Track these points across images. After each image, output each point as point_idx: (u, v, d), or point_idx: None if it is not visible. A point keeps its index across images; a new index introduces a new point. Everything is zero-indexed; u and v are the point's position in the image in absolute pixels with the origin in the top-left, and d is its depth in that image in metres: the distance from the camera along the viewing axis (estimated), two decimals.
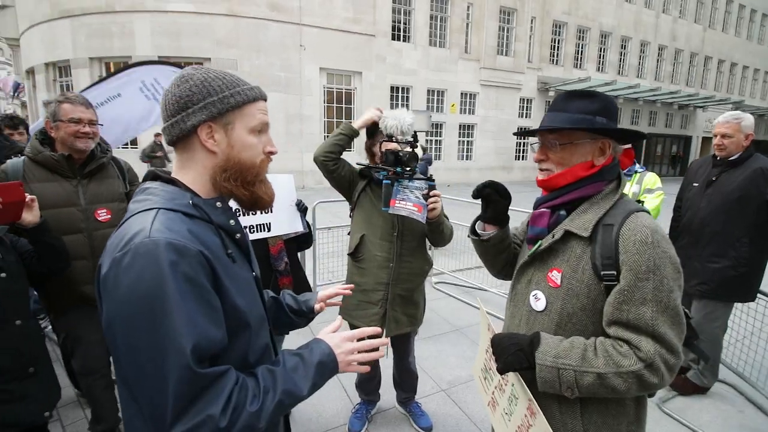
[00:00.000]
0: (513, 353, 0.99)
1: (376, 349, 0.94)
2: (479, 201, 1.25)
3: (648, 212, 1.00)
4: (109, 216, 1.94)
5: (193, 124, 0.79)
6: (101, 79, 3.25)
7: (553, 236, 1.04)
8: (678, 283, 0.93)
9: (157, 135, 10.12)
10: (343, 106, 14.39)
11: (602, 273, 0.94)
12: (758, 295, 2.51)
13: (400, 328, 2.06)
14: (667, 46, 22.03)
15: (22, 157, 1.85)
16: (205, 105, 0.79)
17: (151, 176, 0.85)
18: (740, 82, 26.05)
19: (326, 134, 13.68)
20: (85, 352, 1.97)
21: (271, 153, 0.90)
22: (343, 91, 14.31)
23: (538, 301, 1.06)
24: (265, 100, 0.89)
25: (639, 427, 1.05)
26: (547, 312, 1.04)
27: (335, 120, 14.23)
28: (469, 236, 1.35)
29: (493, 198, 1.21)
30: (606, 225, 0.97)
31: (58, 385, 1.74)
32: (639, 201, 2.69)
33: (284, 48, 12.80)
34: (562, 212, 1.07)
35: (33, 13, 12.48)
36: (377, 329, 1.00)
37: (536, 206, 1.15)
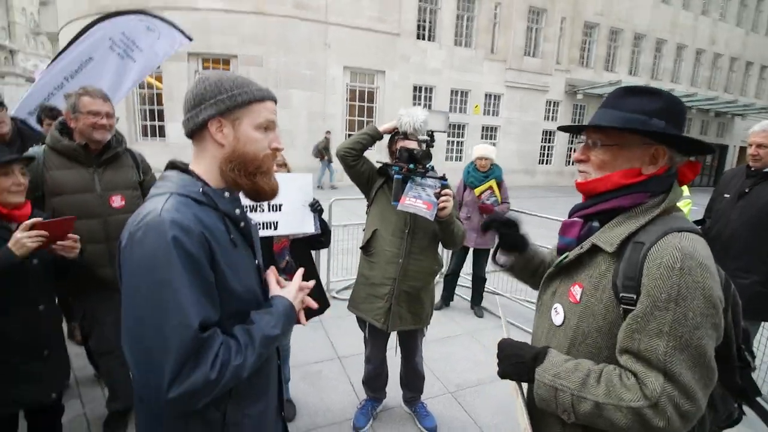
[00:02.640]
0: (514, 363, 0.97)
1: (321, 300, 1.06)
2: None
3: (699, 233, 0.86)
4: (123, 203, 2.02)
5: (204, 118, 0.89)
6: (68, 45, 3.14)
7: (581, 249, 0.96)
8: (711, 320, 0.79)
9: (328, 132, 12.26)
10: (366, 104, 14.43)
11: (621, 295, 0.85)
12: None
13: (403, 324, 2.07)
14: (706, 50, 21.07)
15: (43, 146, 1.95)
16: (215, 101, 0.89)
17: (170, 165, 0.95)
18: None
19: (348, 132, 13.77)
20: (101, 333, 2.07)
21: (277, 149, 0.98)
22: (366, 89, 14.35)
23: (557, 314, 1.00)
24: (275, 101, 0.97)
25: None
26: (563, 327, 0.97)
27: (357, 118, 14.29)
28: (494, 265, 1.35)
29: (502, 231, 1.22)
30: (637, 242, 0.86)
31: (68, 368, 1.84)
32: None
33: (310, 46, 12.94)
34: (595, 223, 0.97)
35: (72, 9, 13.05)
36: (310, 284, 1.10)
37: (571, 214, 1.05)
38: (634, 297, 0.83)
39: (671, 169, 0.93)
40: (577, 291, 0.95)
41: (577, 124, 1.04)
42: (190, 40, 3.58)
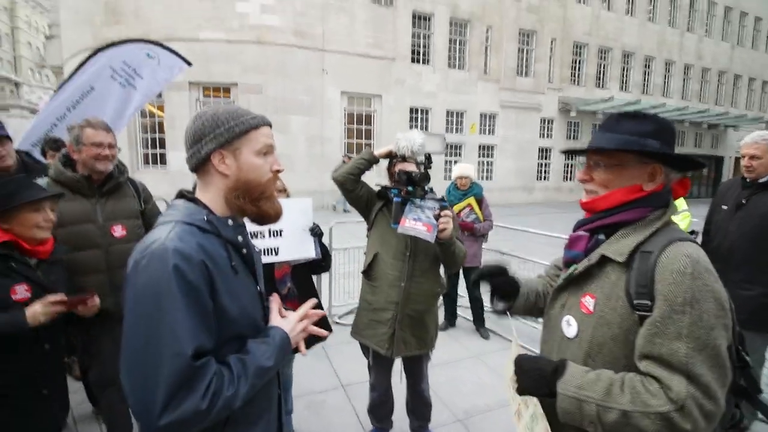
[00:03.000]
0: (534, 378, 0.96)
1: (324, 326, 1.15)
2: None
3: (695, 243, 0.93)
4: (125, 232, 2.03)
5: (207, 152, 0.94)
6: (70, 76, 3.20)
7: (589, 260, 0.99)
8: (722, 321, 0.84)
9: (346, 156, 12.39)
10: (363, 127, 14.66)
11: (635, 302, 0.88)
12: None
13: (408, 349, 2.03)
14: (694, 64, 21.59)
15: (46, 179, 1.98)
16: (215, 135, 0.93)
17: (178, 195, 0.99)
18: None
19: (347, 154, 13.92)
20: (102, 365, 2.03)
21: (278, 171, 1.02)
22: (363, 113, 14.62)
23: (570, 327, 1.02)
24: (270, 126, 1.01)
25: None
26: (577, 339, 0.99)
27: (355, 141, 14.49)
28: (495, 314, 1.39)
29: (492, 283, 1.27)
30: (644, 252, 0.91)
31: (67, 408, 1.79)
32: None
33: (307, 73, 13.27)
34: (601, 236, 1.02)
35: (76, 42, 13.42)
36: (319, 312, 1.11)
37: (575, 228, 1.11)
38: (649, 303, 0.86)
39: (667, 186, 1.00)
40: (589, 302, 0.98)
41: (578, 148, 1.12)
42: (189, 65, 3.68)
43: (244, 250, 0.99)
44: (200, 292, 0.83)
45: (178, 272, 0.80)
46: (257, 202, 0.97)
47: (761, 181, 2.33)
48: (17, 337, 1.46)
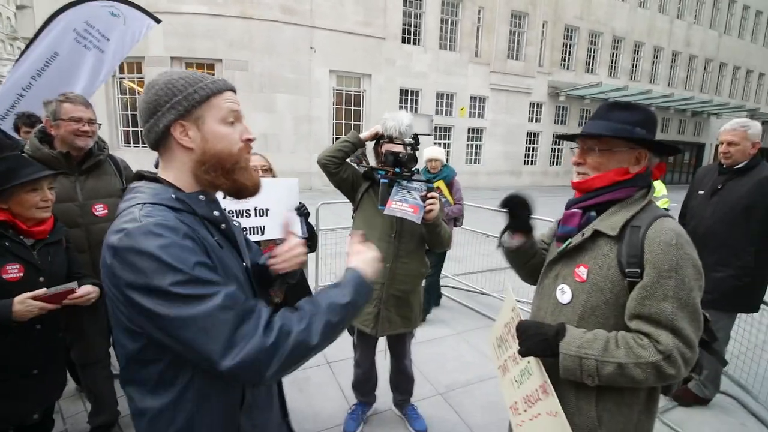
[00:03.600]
0: (538, 342, 1.07)
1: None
2: (501, 210, 1.35)
3: (674, 218, 1.07)
4: (106, 211, 1.99)
5: (165, 124, 0.83)
6: (31, 41, 3.01)
7: (583, 235, 1.12)
8: (699, 283, 1.00)
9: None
10: (352, 108, 14.45)
11: (627, 270, 1.01)
12: (762, 306, 2.47)
13: (393, 328, 2.07)
14: (681, 52, 21.74)
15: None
16: (172, 105, 0.83)
17: (137, 176, 0.89)
18: (756, 89, 25.59)
19: (335, 136, 13.75)
20: (86, 343, 2.02)
21: (249, 140, 0.92)
22: (353, 93, 14.38)
23: (564, 294, 1.14)
24: (234, 91, 0.91)
25: (649, 417, 1.12)
26: (571, 304, 1.11)
27: (344, 122, 14.30)
28: (498, 247, 1.43)
29: (518, 211, 1.31)
30: (634, 227, 1.04)
31: (61, 388, 1.77)
32: None
33: (295, 50, 12.92)
34: (593, 213, 1.15)
35: (49, 12, 12.75)
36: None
37: (568, 207, 1.23)
38: (638, 271, 1.00)
39: (649, 168, 1.15)
40: (582, 271, 1.10)
41: (574, 133, 1.21)
42: (158, 21, 3.49)
43: (223, 226, 0.92)
44: (195, 255, 0.76)
45: (165, 248, 0.72)
46: (231, 174, 0.88)
47: (737, 167, 2.40)
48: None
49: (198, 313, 0.73)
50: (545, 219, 3.33)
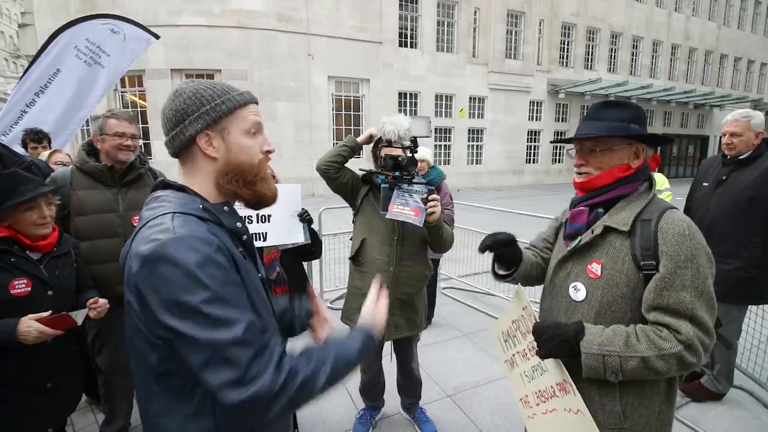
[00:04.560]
0: (558, 343, 1.05)
1: None
2: (488, 246, 1.34)
3: (678, 209, 1.09)
4: None
5: (191, 134, 0.84)
6: (34, 59, 3.10)
7: (593, 232, 1.12)
8: (711, 271, 1.02)
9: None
10: (352, 113, 14.50)
11: (642, 263, 1.02)
12: None
13: (399, 332, 2.06)
14: (681, 44, 21.63)
15: (70, 167, 2.02)
16: (199, 115, 0.84)
17: (161, 185, 0.89)
18: (758, 79, 25.38)
19: (335, 141, 13.79)
20: (113, 349, 2.06)
21: (269, 152, 0.94)
22: (351, 98, 14.44)
23: (578, 291, 1.14)
24: (256, 103, 0.93)
25: (669, 407, 1.13)
26: (587, 301, 1.11)
27: (344, 127, 14.34)
28: (495, 278, 1.44)
29: (499, 252, 1.32)
30: (644, 220, 1.06)
31: (77, 400, 1.77)
32: None
33: (293, 58, 13.00)
34: (600, 210, 1.16)
35: (51, 30, 12.86)
36: (381, 289, 1.10)
37: (573, 205, 1.23)
38: (654, 263, 1.01)
39: (646, 161, 1.17)
40: (596, 268, 1.11)
41: (570, 137, 1.23)
42: (157, 37, 3.57)
43: (245, 237, 0.93)
44: (229, 272, 0.77)
45: (204, 258, 0.73)
46: (253, 184, 0.90)
47: (741, 157, 2.38)
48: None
49: (219, 340, 0.72)
50: (548, 217, 3.32)
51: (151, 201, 0.86)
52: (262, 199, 0.93)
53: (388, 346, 2.25)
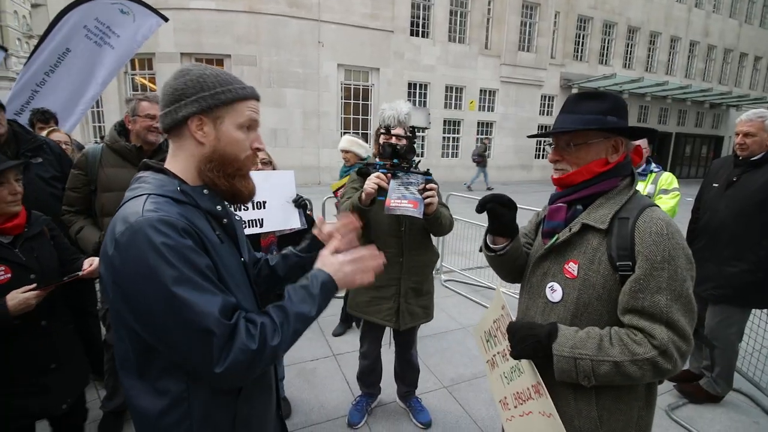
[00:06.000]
0: (530, 344, 1.02)
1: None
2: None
3: (659, 207, 1.04)
4: None
5: (185, 115, 0.85)
6: (42, 40, 3.07)
7: (570, 229, 1.07)
8: (690, 273, 0.97)
9: (486, 138, 13.17)
10: (360, 102, 14.40)
11: (618, 264, 0.97)
12: None
13: (414, 320, 2.09)
14: (700, 42, 21.08)
15: (101, 144, 2.12)
16: (197, 98, 0.85)
17: (144, 166, 0.91)
18: None
19: (343, 131, 13.73)
20: None
21: (258, 150, 0.95)
22: (361, 87, 14.31)
23: (554, 292, 1.09)
24: (258, 99, 0.94)
25: (649, 413, 1.09)
26: (563, 303, 1.07)
27: (352, 116, 14.25)
28: (481, 251, 1.31)
29: (498, 211, 1.17)
30: (621, 218, 1.00)
31: (85, 376, 1.80)
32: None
33: (302, 44, 12.89)
34: (579, 207, 1.10)
35: None
36: (375, 253, 1.01)
37: (552, 201, 1.18)
38: (630, 264, 0.96)
39: (627, 155, 1.11)
40: (572, 267, 1.06)
41: (545, 132, 1.18)
42: (166, 20, 3.57)
43: (225, 220, 0.94)
44: (196, 253, 0.78)
45: (166, 244, 0.74)
46: (231, 178, 0.90)
47: (753, 159, 2.33)
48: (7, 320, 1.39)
49: (184, 321, 0.74)
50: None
51: (134, 182, 0.88)
52: (237, 195, 0.93)
53: (386, 332, 2.26)
